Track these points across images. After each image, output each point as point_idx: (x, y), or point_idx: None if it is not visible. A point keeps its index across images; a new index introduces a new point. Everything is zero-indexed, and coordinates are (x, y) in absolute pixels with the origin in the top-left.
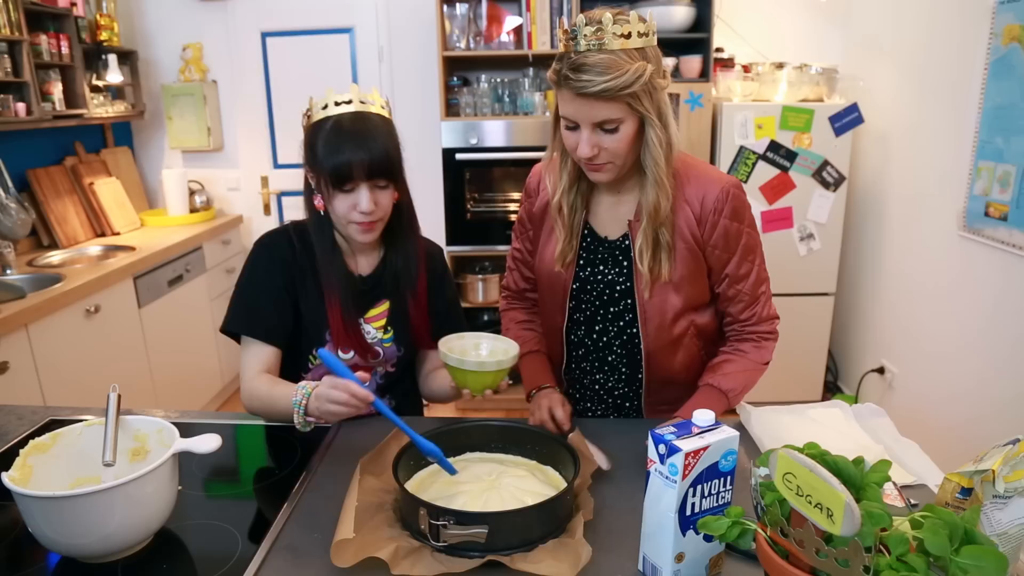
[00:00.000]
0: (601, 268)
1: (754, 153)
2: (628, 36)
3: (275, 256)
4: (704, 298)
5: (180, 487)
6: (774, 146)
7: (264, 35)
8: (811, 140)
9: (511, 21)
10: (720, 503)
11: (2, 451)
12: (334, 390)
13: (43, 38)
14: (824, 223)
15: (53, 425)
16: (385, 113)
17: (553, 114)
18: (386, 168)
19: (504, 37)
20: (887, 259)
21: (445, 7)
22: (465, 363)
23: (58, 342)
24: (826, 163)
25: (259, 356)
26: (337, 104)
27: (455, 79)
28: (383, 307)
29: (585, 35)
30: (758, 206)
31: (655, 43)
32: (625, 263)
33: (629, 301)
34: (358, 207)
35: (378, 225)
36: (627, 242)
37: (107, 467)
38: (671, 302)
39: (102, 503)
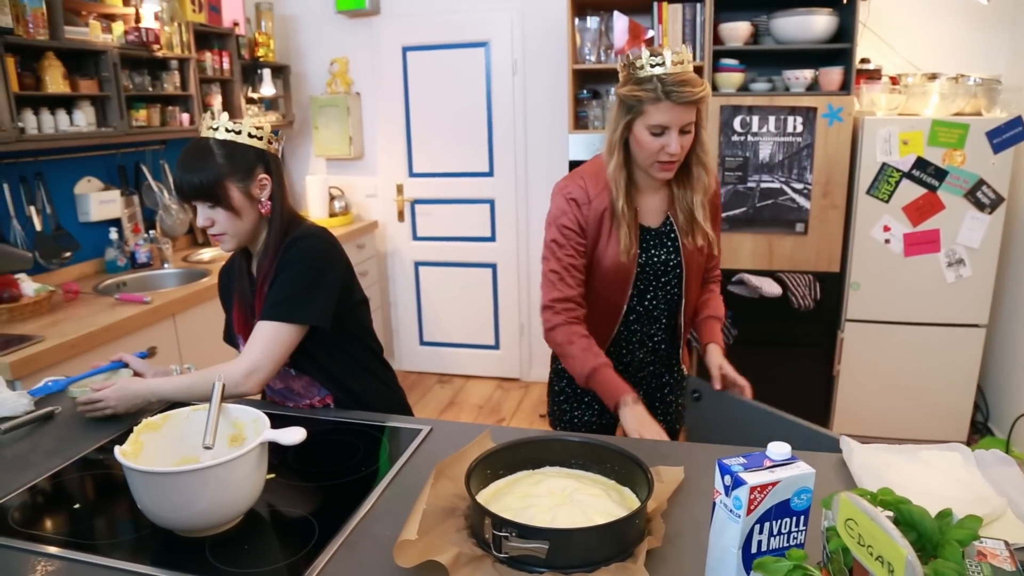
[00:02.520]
0: (653, 252)
1: (898, 171)
2: (682, 63)
3: (223, 273)
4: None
5: (272, 475)
6: (921, 163)
7: (405, 49)
8: (964, 157)
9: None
10: (791, 543)
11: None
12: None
13: (208, 55)
14: (976, 248)
15: (176, 407)
16: (223, 136)
17: (620, 132)
18: (197, 192)
19: None
20: None
21: (577, 20)
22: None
23: (199, 332)
24: (981, 182)
25: None
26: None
27: (585, 92)
28: None
29: (672, 60)
30: (900, 228)
31: None
32: (669, 243)
33: (678, 271)
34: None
35: (225, 239)
36: (667, 226)
37: (206, 450)
38: (700, 262)
39: (194, 482)
